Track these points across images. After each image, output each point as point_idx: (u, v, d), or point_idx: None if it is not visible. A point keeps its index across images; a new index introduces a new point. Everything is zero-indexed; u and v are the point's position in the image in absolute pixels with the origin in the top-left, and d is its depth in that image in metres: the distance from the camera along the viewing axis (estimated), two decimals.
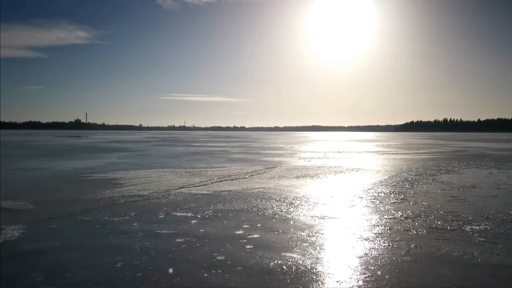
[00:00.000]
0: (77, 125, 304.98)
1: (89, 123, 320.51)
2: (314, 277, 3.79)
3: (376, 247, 4.77)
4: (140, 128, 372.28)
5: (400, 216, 6.56)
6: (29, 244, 4.92)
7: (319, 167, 15.29)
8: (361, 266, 4.12)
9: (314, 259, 4.31)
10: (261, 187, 9.77)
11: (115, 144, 38.38)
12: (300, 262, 4.20)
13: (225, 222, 6.14)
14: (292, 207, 7.30)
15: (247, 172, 13.20)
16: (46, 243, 4.94)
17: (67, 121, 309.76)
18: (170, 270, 4.00)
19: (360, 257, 4.39)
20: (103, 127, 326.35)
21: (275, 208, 7.16)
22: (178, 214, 6.72)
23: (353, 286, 3.62)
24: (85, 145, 36.16)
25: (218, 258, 4.39)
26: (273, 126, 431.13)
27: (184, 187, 9.74)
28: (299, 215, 6.62)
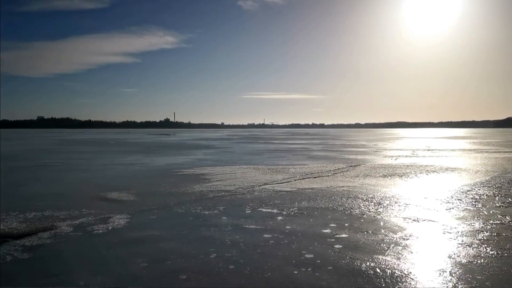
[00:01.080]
0: (166, 123, 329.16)
1: (176, 122, 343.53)
2: (413, 284, 3.56)
3: (483, 255, 4.32)
4: (222, 126, 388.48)
5: (510, 221, 5.86)
6: (133, 232, 5.42)
7: (407, 165, 14.38)
8: (465, 275, 3.77)
9: (410, 263, 4.06)
10: (346, 186, 9.50)
11: (200, 141, 40.56)
12: (395, 266, 3.98)
13: (311, 220, 6.09)
14: (381, 207, 6.97)
15: (330, 170, 12.95)
16: (147, 232, 5.40)
17: (157, 120, 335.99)
18: (261, 265, 4.09)
19: (463, 265, 4.02)
20: (189, 125, 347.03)
21: (363, 208, 6.90)
22: (264, 210, 6.84)
23: None
24: (173, 142, 38.82)
25: (306, 256, 4.37)
26: (354, 123, 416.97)
27: (267, 184, 9.89)
28: (389, 216, 6.29)
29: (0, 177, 11.14)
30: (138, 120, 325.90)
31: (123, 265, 4.10)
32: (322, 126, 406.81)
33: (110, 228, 5.62)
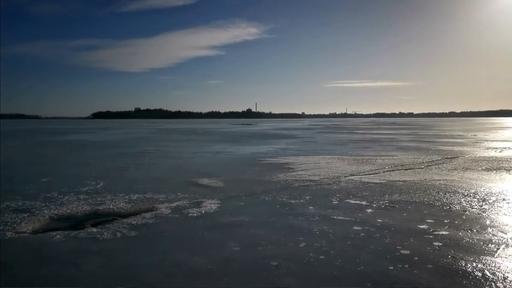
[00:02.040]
0: (248, 114, 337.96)
1: (258, 112, 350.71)
2: None
3: None
4: (302, 116, 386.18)
5: None
6: (225, 217, 5.66)
7: None
8: None
9: None
10: (443, 179, 8.76)
11: (282, 131, 40.84)
12: (508, 269, 3.56)
13: (404, 214, 5.74)
14: (486, 204, 6.29)
15: (422, 162, 12.07)
16: (237, 218, 5.60)
17: (240, 110, 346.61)
18: (352, 257, 3.97)
19: None
20: (270, 115, 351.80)
21: (464, 204, 6.30)
22: (352, 201, 6.63)
23: None
24: (256, 132, 39.68)
25: (402, 251, 4.13)
26: (447, 112, 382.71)
27: (354, 175, 9.57)
28: (497, 214, 5.64)
29: (108, 162, 12.51)
30: (222, 111, 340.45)
31: (218, 248, 4.30)
32: (410, 115, 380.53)
33: (203, 212, 5.95)
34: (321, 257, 4.02)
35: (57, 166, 11.60)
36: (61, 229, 4.99)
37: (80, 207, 6.12)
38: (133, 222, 5.31)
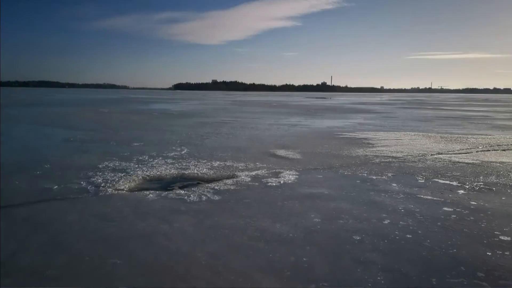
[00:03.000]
0: (322, 87, 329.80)
1: (333, 85, 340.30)
2: None
3: None
4: (381, 90, 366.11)
5: None
6: (303, 188, 5.65)
7: None
8: None
9: None
10: None
11: (359, 105, 39.24)
12: None
13: (503, 198, 5.20)
14: None
15: None
16: (316, 190, 5.55)
17: (314, 83, 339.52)
18: (443, 239, 3.72)
19: None
20: (346, 89, 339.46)
21: None
22: (441, 181, 6.18)
23: None
24: (331, 105, 38.66)
25: (501, 237, 3.76)
26: None
27: (442, 153, 8.88)
28: None
29: (190, 130, 13.20)
30: (296, 84, 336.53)
31: (298, 218, 4.32)
32: (507, 91, 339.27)
33: (282, 182, 6.00)
34: (408, 236, 3.83)
35: (146, 132, 12.53)
36: (153, 189, 5.41)
37: (168, 171, 6.57)
38: (216, 187, 5.55)
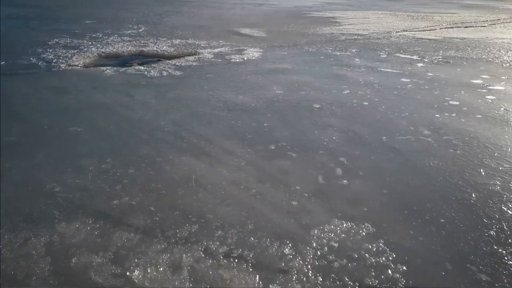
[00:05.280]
0: None
1: None
2: None
3: None
4: None
5: None
6: (267, 64, 5.58)
7: None
8: None
9: None
10: (507, 38, 7.94)
11: None
12: None
13: (458, 69, 5.40)
14: None
15: (486, 20, 10.84)
16: (280, 65, 5.50)
17: None
18: (397, 105, 3.91)
19: None
20: None
21: None
22: (402, 55, 6.27)
23: None
24: None
25: (451, 102, 4.00)
26: None
27: (407, 30, 8.85)
28: None
29: (146, 8, 12.16)
30: None
31: (261, 90, 4.34)
32: None
33: (245, 58, 5.87)
34: (365, 103, 3.99)
35: (98, 10, 11.42)
36: (110, 66, 5.16)
37: (125, 48, 6.19)
38: (177, 64, 5.36)
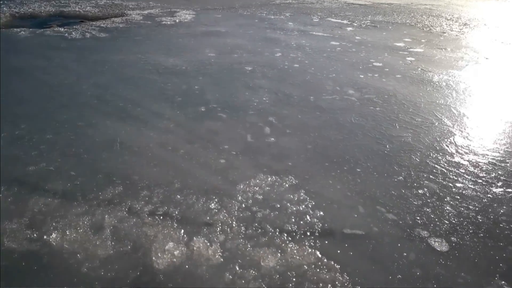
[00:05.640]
0: None
1: None
2: (487, 97, 3.40)
3: None
4: None
5: None
6: (200, 27, 5.43)
7: None
8: None
9: (488, 81, 3.80)
10: (429, 3, 8.43)
11: None
12: (471, 81, 3.76)
13: (384, 33, 5.68)
14: (466, 27, 6.24)
15: None
16: (213, 28, 5.39)
17: None
18: (326, 66, 4.05)
19: None
20: None
21: (445, 27, 6.22)
22: (333, 20, 6.42)
23: None
24: None
25: (375, 64, 4.22)
26: None
27: None
28: (474, 36, 5.66)
29: None
30: None
31: (193, 53, 4.24)
32: None
33: (177, 21, 5.65)
34: (296, 65, 4.07)
35: None
36: (25, 27, 4.69)
37: (43, 8, 5.65)
38: (102, 25, 5.02)
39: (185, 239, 1.58)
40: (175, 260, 1.47)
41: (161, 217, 1.70)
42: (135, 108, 2.80)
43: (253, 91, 3.29)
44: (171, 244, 1.53)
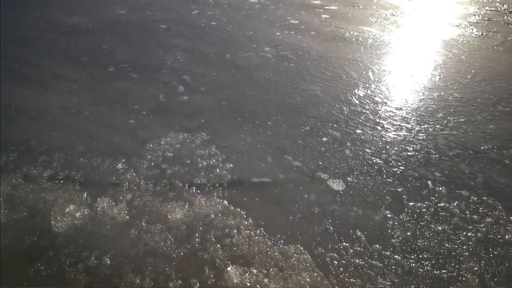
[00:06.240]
0: None
1: None
2: (390, 51, 3.64)
3: (468, 35, 4.33)
4: None
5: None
6: None
7: None
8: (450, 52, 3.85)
9: (393, 36, 4.06)
10: None
11: None
12: (378, 36, 3.99)
13: None
14: None
15: None
16: None
17: None
18: (244, 24, 4.01)
19: (446, 43, 4.06)
20: None
21: None
22: None
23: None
24: None
25: (291, 21, 4.27)
26: None
27: None
28: None
29: None
30: None
31: (101, 10, 3.93)
32: None
33: None
34: (213, 23, 3.98)
35: None
36: None
37: None
38: None
39: (88, 201, 1.53)
40: (76, 222, 1.42)
41: (62, 182, 1.62)
42: (33, 70, 2.56)
43: (167, 49, 3.18)
44: (71, 207, 1.48)
